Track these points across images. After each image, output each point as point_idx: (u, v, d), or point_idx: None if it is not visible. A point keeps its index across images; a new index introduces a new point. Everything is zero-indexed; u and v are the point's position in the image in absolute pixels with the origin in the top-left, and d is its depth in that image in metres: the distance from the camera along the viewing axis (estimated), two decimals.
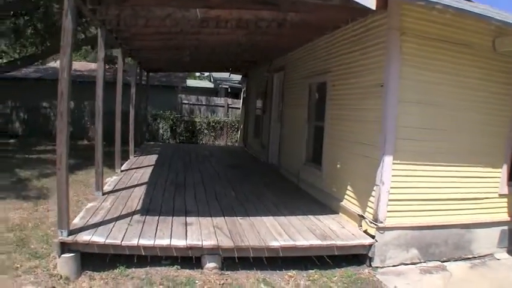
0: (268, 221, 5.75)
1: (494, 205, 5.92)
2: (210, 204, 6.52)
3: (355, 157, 5.98)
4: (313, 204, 6.97)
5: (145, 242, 4.61)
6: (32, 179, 8.78)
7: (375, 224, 5.23)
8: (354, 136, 6.04)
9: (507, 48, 5.47)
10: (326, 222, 5.87)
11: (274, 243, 4.86)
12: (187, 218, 5.62)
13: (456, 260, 5.63)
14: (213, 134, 18.10)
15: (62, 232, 4.53)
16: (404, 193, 5.30)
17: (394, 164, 5.18)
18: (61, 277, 4.34)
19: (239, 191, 7.62)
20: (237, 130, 18.35)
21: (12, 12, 11.56)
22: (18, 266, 4.53)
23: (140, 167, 9.55)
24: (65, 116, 4.41)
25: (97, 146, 6.57)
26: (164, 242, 4.65)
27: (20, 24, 12.03)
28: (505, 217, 6.00)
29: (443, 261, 5.54)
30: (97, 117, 6.37)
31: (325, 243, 5.01)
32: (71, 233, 4.62)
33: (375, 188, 5.29)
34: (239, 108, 18.90)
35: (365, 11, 4.71)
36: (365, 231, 5.45)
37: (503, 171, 5.96)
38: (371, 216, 5.36)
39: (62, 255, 4.44)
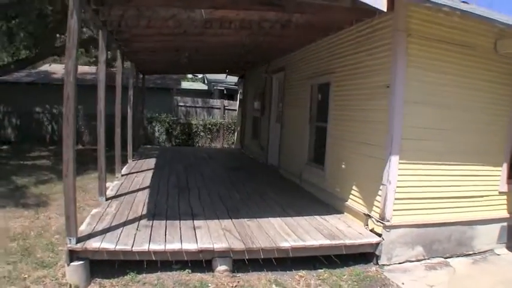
0: (276, 222, 5.78)
1: (494, 202, 6.05)
2: (215, 206, 6.53)
3: (361, 157, 6.03)
4: (317, 204, 7.02)
5: (156, 247, 4.59)
6: (30, 186, 8.70)
7: (382, 223, 5.29)
8: (359, 136, 6.09)
9: (508, 50, 5.60)
10: (332, 222, 5.91)
11: (285, 244, 4.89)
12: (194, 221, 5.62)
13: (458, 256, 5.73)
14: (210, 136, 18.08)
15: (70, 240, 4.47)
16: (409, 192, 5.38)
17: (400, 163, 5.25)
18: (70, 286, 4.28)
19: (243, 193, 7.65)
20: (234, 132, 18.36)
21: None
22: (26, 276, 4.46)
23: (140, 171, 9.53)
24: (72, 121, 4.32)
25: (99, 151, 6.53)
26: (175, 246, 4.64)
27: (13, 27, 11.89)
28: (504, 214, 6.13)
29: (446, 258, 5.63)
30: (99, 121, 6.33)
31: (334, 242, 5.06)
32: (79, 240, 4.56)
33: (381, 187, 5.35)
34: (235, 110, 18.91)
35: (372, 12, 4.75)
36: (371, 230, 5.51)
37: (503, 169, 6.09)
38: (377, 215, 5.41)
39: (71, 264, 4.38)
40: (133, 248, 4.53)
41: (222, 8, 5.22)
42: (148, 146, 15.62)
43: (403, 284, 4.75)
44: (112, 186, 7.58)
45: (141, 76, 14.29)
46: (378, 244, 5.25)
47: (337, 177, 6.79)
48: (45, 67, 18.13)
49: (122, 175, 8.79)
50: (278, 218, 5.96)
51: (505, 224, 6.08)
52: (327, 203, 6.99)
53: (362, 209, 5.86)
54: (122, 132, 8.40)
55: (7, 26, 12.01)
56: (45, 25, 11.65)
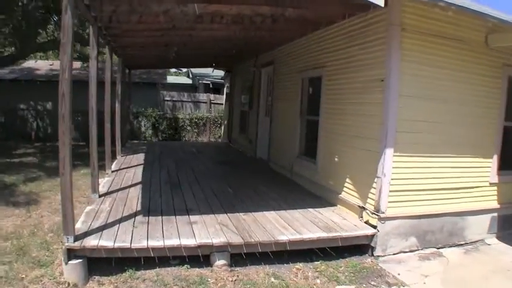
0: (271, 215, 5.82)
1: (485, 193, 6.20)
2: (209, 201, 6.53)
3: (354, 150, 6.09)
4: (310, 197, 7.09)
5: (154, 243, 4.58)
6: (18, 184, 8.56)
7: (377, 215, 5.37)
8: (353, 130, 6.15)
9: (499, 43, 5.75)
10: (326, 214, 5.98)
11: (282, 238, 4.93)
12: (190, 216, 5.62)
13: (450, 246, 5.86)
14: (196, 130, 18.03)
15: (68, 238, 4.42)
16: (403, 184, 5.47)
17: (394, 156, 5.33)
18: (69, 284, 4.24)
19: (235, 187, 7.66)
20: (220, 126, 18.33)
21: None
22: (23, 276, 4.40)
23: (130, 167, 9.46)
24: (68, 118, 4.28)
25: (92, 147, 6.45)
26: (174, 242, 4.63)
27: None
28: (494, 205, 6.29)
29: (439, 248, 5.76)
30: (91, 117, 6.25)
31: (330, 235, 5.12)
32: (76, 238, 4.52)
33: (376, 179, 5.42)
34: (222, 104, 18.87)
35: (367, 6, 4.78)
36: (366, 222, 5.59)
37: (494, 161, 6.24)
38: (372, 207, 5.49)
39: (69, 262, 4.33)
40: (132, 245, 4.51)
41: (217, 2, 5.18)
42: (136, 141, 15.51)
43: (399, 274, 4.84)
44: (103, 183, 7.52)
45: (127, 71, 14.13)
46: (373, 236, 5.33)
47: (330, 170, 6.85)
48: (29, 64, 17.81)
49: (112, 171, 8.72)
50: (273, 212, 6.00)
51: (495, 214, 6.24)
52: (319, 196, 7.05)
53: (356, 201, 5.93)
54: (110, 128, 8.32)
55: None
56: (29, 21, 11.40)
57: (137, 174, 8.62)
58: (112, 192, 6.91)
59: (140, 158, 10.98)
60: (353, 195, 6.06)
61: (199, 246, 4.66)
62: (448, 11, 5.02)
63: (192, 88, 22.89)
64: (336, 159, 6.61)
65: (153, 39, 7.90)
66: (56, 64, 18.41)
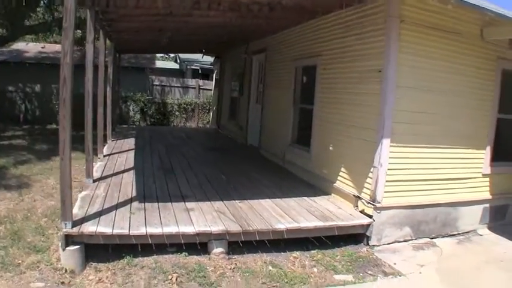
0: (266, 203, 5.84)
1: (478, 184, 6.29)
2: (204, 188, 6.53)
3: (350, 140, 6.13)
4: (303, 185, 7.14)
5: (153, 230, 4.56)
6: (9, 167, 8.42)
7: (373, 204, 5.42)
8: (348, 119, 6.17)
9: (494, 36, 5.80)
10: (321, 203, 6.03)
11: (280, 226, 4.96)
12: (186, 203, 5.60)
13: (444, 237, 5.95)
14: (185, 115, 17.92)
15: (66, 224, 4.36)
16: (399, 174, 5.51)
17: (391, 146, 5.37)
18: (66, 271, 4.20)
19: (228, 173, 7.66)
20: (209, 112, 18.23)
21: None
22: (20, 262, 4.35)
23: (122, 152, 9.38)
24: (68, 103, 4.21)
25: (87, 131, 6.37)
26: (172, 229, 4.61)
27: None
28: (487, 196, 6.39)
29: (432, 238, 5.85)
30: (86, 101, 6.16)
31: (327, 224, 5.17)
32: (74, 224, 4.46)
33: (372, 169, 5.47)
34: (210, 90, 18.74)
35: None
36: (361, 211, 5.65)
37: (487, 152, 6.33)
38: (368, 197, 5.54)
39: (67, 248, 4.28)
40: (130, 232, 4.48)
41: None
42: (125, 126, 15.34)
43: (394, 264, 4.91)
44: (96, 167, 7.42)
45: (117, 55, 13.91)
46: (368, 225, 5.39)
47: (324, 159, 6.89)
48: (18, 46, 17.48)
49: (104, 155, 8.63)
50: (268, 200, 6.02)
51: (487, 205, 6.35)
52: (312, 184, 7.10)
53: (351, 190, 5.98)
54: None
55: None
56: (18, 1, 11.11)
57: (129, 159, 8.55)
58: (106, 177, 6.84)
59: (131, 142, 10.89)
60: (348, 185, 6.11)
61: (198, 234, 4.65)
62: (447, 4, 5.04)
63: (179, 73, 22.65)
64: (331, 148, 6.65)
65: (148, 23, 7.77)
66: (48, 47, 18.11)
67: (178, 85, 19.09)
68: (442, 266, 4.96)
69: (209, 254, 4.70)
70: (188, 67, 22.06)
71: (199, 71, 21.52)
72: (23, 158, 9.25)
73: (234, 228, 4.80)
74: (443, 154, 5.80)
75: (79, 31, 10.41)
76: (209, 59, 18.78)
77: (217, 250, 4.70)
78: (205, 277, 4.22)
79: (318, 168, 7.09)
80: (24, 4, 11.13)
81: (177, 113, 17.71)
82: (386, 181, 5.40)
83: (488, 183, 6.36)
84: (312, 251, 5.11)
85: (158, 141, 11.54)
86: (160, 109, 17.39)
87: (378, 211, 5.41)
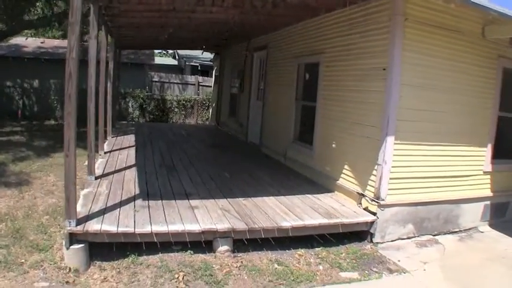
0: (270, 201, 5.84)
1: (479, 182, 6.34)
2: (207, 185, 6.51)
3: (353, 137, 6.13)
4: (306, 182, 7.14)
5: (158, 228, 4.54)
6: (8, 163, 8.37)
7: (377, 202, 5.44)
8: (352, 117, 6.18)
9: (495, 35, 5.84)
10: (325, 200, 6.03)
11: (285, 224, 4.96)
12: (190, 201, 5.59)
13: (445, 234, 5.99)
14: (184, 112, 17.88)
15: (70, 222, 4.31)
16: (403, 172, 5.54)
17: (395, 144, 5.38)
18: (70, 270, 4.15)
19: (230, 171, 7.65)
20: (208, 108, 18.20)
21: None
22: (23, 261, 4.30)
23: (122, 148, 9.34)
24: (74, 98, 4.16)
25: (89, 127, 6.33)
26: (178, 227, 4.60)
27: None
28: (488, 193, 6.43)
29: (435, 235, 5.88)
30: (89, 97, 6.13)
31: (332, 221, 5.17)
32: (78, 222, 4.43)
33: (376, 167, 5.48)
34: (210, 86, 18.69)
35: None
36: (365, 209, 5.66)
37: (488, 150, 6.37)
38: (372, 194, 5.56)
39: (71, 247, 4.24)
40: (136, 230, 4.45)
41: None
42: (124, 122, 15.27)
43: (399, 261, 4.94)
44: (98, 164, 7.40)
45: (117, 51, 13.85)
46: (372, 222, 5.40)
47: (327, 157, 6.89)
48: (16, 40, 17.38)
49: (105, 152, 8.60)
50: (272, 197, 6.02)
51: (488, 202, 6.40)
52: (315, 181, 7.11)
53: (355, 188, 5.99)
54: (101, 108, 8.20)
55: None
56: None
57: (130, 156, 8.52)
58: (107, 174, 6.82)
59: (131, 139, 10.85)
60: (351, 182, 6.12)
61: (203, 232, 4.64)
62: (450, 3, 5.09)
63: (178, 70, 22.58)
64: (334, 145, 6.65)
65: (150, 19, 7.74)
66: (48, 42, 17.98)
67: (178, 81, 19.03)
68: (445, 263, 4.98)
69: (214, 252, 4.69)
70: (187, 63, 21.99)
71: (199, 68, 21.45)
72: (22, 155, 9.20)
73: (240, 226, 4.79)
74: (445, 152, 5.82)
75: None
76: (208, 55, 18.74)
77: (223, 248, 4.70)
78: (211, 275, 4.22)
79: (320, 165, 7.10)
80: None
81: (176, 110, 17.66)
82: (390, 178, 5.42)
83: (489, 181, 6.40)
84: (317, 249, 5.12)
85: (158, 138, 11.51)
86: (159, 105, 17.34)
87: (382, 208, 5.42)
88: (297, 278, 4.32)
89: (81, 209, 4.94)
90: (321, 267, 4.66)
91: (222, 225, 4.74)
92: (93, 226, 4.45)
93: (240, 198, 5.85)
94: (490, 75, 6.17)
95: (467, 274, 4.78)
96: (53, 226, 5.28)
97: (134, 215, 4.89)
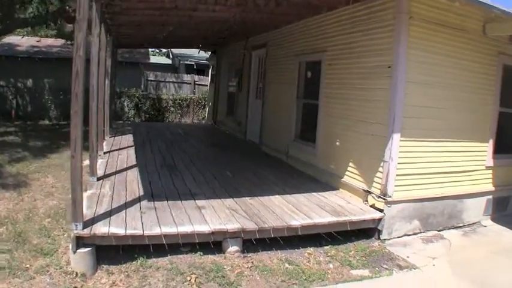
0: (276, 200, 5.82)
1: (481, 177, 6.40)
2: (210, 184, 6.47)
3: (358, 135, 6.13)
4: (310, 180, 7.13)
5: (167, 230, 4.46)
6: (4, 164, 8.26)
7: (384, 199, 5.44)
8: (356, 114, 6.17)
9: (496, 33, 5.91)
10: (331, 198, 6.03)
11: (295, 223, 4.94)
12: (196, 201, 5.53)
13: (450, 229, 6.03)
14: (180, 111, 17.80)
15: (76, 225, 4.21)
16: (409, 168, 5.56)
17: (401, 141, 5.40)
18: (77, 274, 4.02)
19: (233, 170, 7.61)
20: (204, 107, 18.13)
21: None
22: (28, 266, 4.18)
23: (121, 148, 9.25)
24: (81, 98, 4.10)
25: (91, 128, 6.27)
26: (187, 228, 4.53)
27: None
28: (490, 187, 6.50)
29: (440, 230, 5.91)
30: (91, 96, 6.06)
31: (340, 219, 5.17)
32: (85, 225, 4.33)
33: (382, 164, 5.49)
34: (206, 85, 18.63)
35: None
36: (372, 206, 5.66)
37: (490, 145, 6.44)
38: (378, 191, 5.56)
39: (78, 251, 4.13)
40: (144, 232, 4.37)
41: None
42: (120, 122, 15.17)
43: (408, 257, 4.95)
44: (98, 165, 7.29)
45: (114, 50, 13.72)
46: (380, 219, 5.41)
47: (331, 154, 6.88)
48: (10, 39, 17.17)
49: (105, 152, 8.51)
50: (278, 196, 6.00)
51: (490, 197, 6.47)
52: (319, 179, 7.10)
53: (361, 185, 5.99)
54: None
55: None
56: None
57: (130, 156, 8.44)
58: (109, 175, 6.73)
59: (129, 139, 10.75)
60: (357, 179, 6.11)
61: (213, 233, 4.59)
62: (454, 2, 5.15)
63: (172, 68, 22.46)
64: (338, 143, 6.64)
65: (151, 17, 7.66)
66: (44, 41, 17.77)
67: (173, 80, 18.93)
68: (452, 258, 5.00)
69: (224, 253, 4.65)
70: (181, 62, 21.88)
71: (194, 67, 21.35)
72: (18, 155, 9.10)
73: (250, 225, 4.76)
74: (449, 147, 5.87)
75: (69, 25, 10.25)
76: (204, 54, 18.65)
77: (232, 249, 4.66)
78: (224, 277, 4.18)
79: (324, 163, 7.09)
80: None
81: (172, 109, 17.59)
82: (397, 175, 5.44)
83: (491, 176, 6.48)
84: (326, 247, 5.10)
85: (156, 138, 11.45)
86: (155, 105, 17.25)
87: (389, 205, 5.43)
88: (309, 277, 4.31)
89: (86, 211, 4.80)
90: (331, 265, 4.65)
91: (231, 226, 4.70)
92: (101, 229, 4.34)
93: (246, 198, 5.82)
94: (490, 72, 6.24)
95: (476, 268, 4.81)
96: (56, 229, 5.18)
97: (141, 216, 4.82)
